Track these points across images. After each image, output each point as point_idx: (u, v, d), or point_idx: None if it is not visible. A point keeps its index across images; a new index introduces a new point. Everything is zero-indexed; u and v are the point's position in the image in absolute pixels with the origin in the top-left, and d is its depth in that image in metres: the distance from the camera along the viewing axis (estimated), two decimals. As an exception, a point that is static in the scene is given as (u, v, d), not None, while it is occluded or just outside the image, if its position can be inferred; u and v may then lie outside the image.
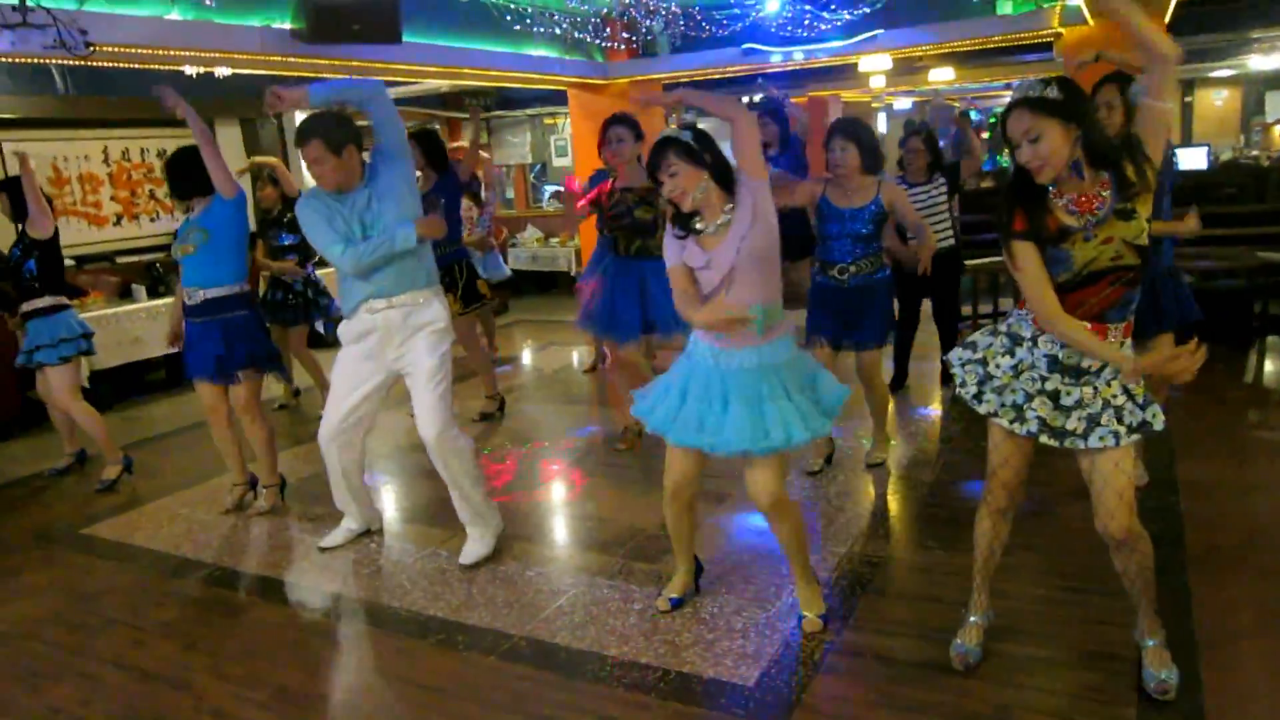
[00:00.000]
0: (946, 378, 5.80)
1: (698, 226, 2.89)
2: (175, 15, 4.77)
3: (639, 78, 8.41)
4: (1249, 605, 3.13)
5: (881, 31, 7.32)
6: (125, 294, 7.48)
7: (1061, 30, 6.80)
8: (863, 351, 4.37)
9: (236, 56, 5.12)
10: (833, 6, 7.17)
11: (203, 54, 4.88)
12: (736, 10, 7.40)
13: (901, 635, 3.06)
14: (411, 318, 3.66)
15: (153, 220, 8.53)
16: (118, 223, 8.26)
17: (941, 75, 11.80)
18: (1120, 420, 2.46)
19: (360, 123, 3.97)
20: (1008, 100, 2.50)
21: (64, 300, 4.98)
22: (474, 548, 3.83)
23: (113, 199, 8.25)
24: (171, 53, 4.77)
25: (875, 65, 8.83)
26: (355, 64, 5.78)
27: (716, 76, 8.66)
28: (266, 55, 5.22)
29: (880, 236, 4.20)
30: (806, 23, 7.16)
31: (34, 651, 3.37)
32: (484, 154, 7.97)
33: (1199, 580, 3.30)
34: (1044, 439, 2.53)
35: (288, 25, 5.24)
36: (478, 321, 6.08)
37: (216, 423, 4.44)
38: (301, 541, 4.17)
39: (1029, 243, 2.44)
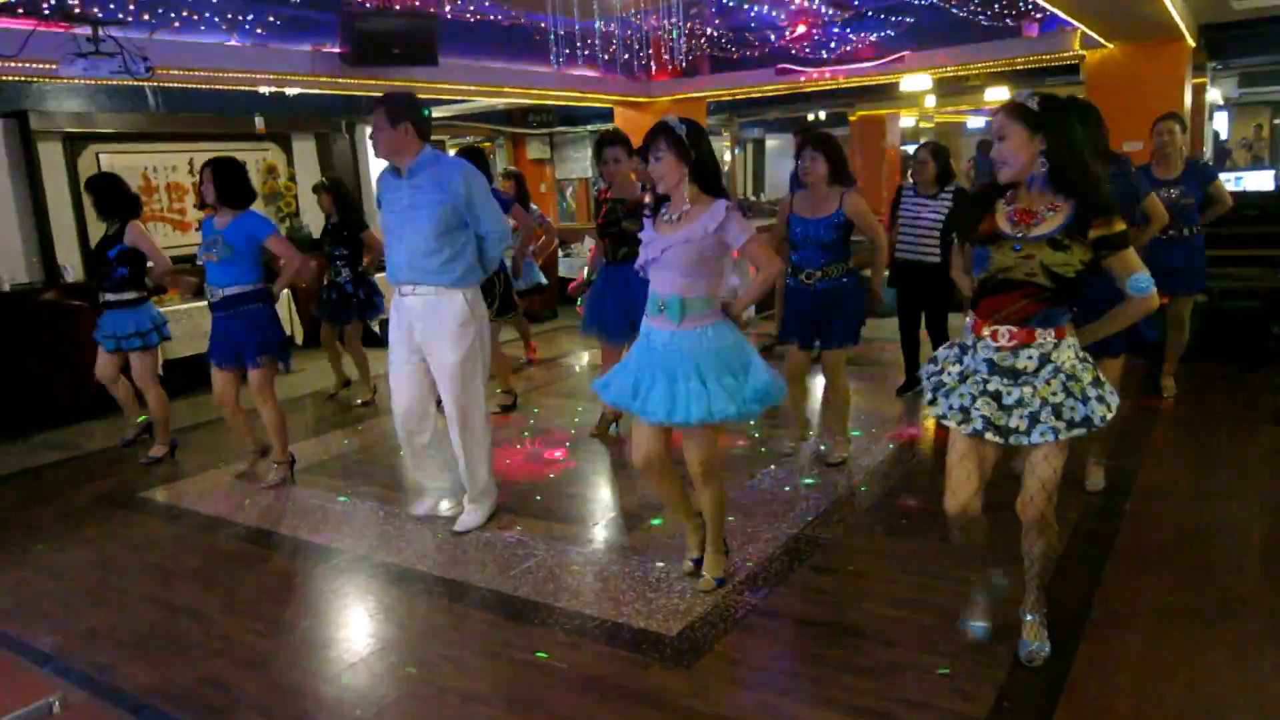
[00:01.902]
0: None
1: (663, 216, 3.27)
2: (235, 41, 5.38)
3: (680, 95, 8.82)
4: (1151, 596, 3.35)
5: (908, 53, 7.58)
6: (199, 292, 8.18)
7: (1084, 53, 6.97)
8: (827, 351, 4.70)
9: (290, 77, 5.70)
10: (846, 31, 7.46)
11: (259, 75, 5.47)
12: (768, 33, 7.75)
13: (822, 603, 3.39)
14: (432, 309, 3.99)
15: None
16: (199, 228, 9.01)
17: (997, 95, 11.88)
18: (1060, 416, 2.62)
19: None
20: None
21: (145, 294, 5.64)
22: (469, 518, 4.27)
23: (195, 206, 9.02)
24: (232, 74, 5.36)
25: (915, 85, 9.09)
26: (397, 83, 6.34)
27: (757, 95, 9.02)
28: (317, 76, 5.80)
29: (846, 244, 4.52)
30: (831, 45, 7.47)
31: (81, 586, 3.94)
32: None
33: (1115, 570, 3.54)
34: (989, 436, 2.69)
35: (336, 49, 5.82)
36: (504, 328, 6.58)
37: (228, 405, 5.11)
38: (320, 508, 4.67)
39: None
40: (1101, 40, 6.60)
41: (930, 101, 11.70)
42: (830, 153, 4.47)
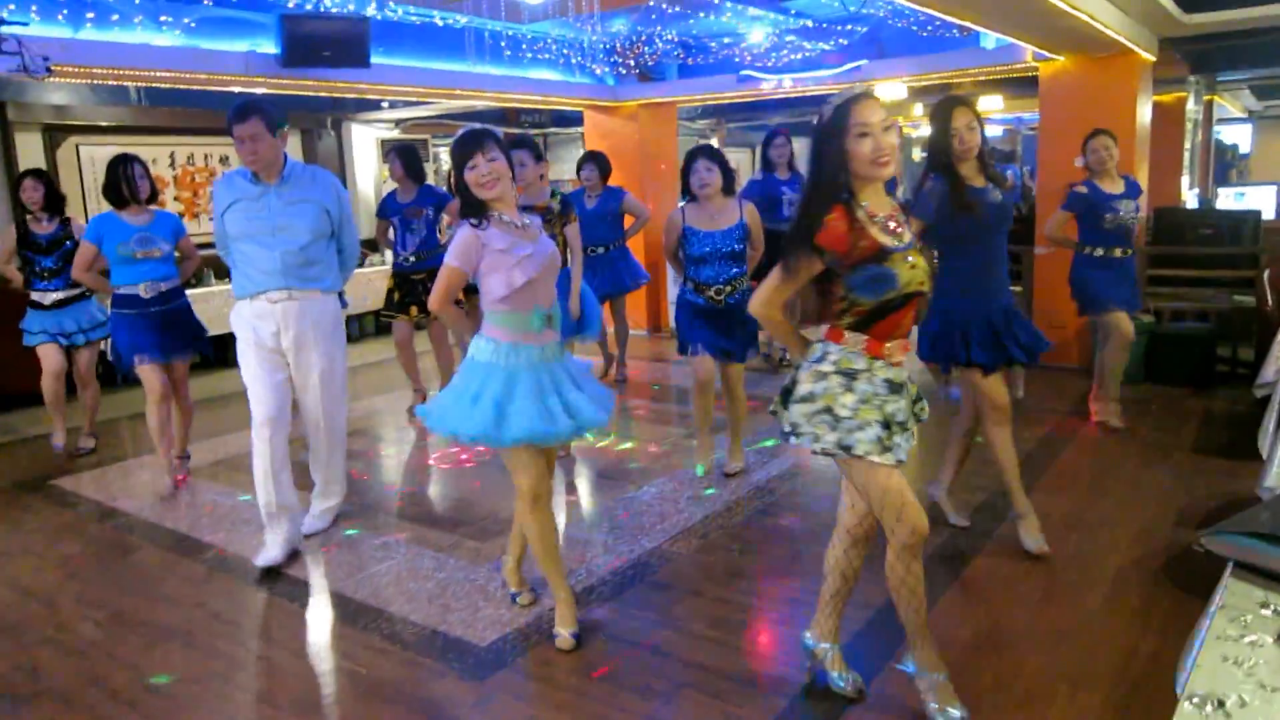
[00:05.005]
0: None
1: (503, 217, 3.16)
2: (164, 40, 5.49)
3: (645, 100, 8.82)
4: (981, 619, 3.32)
5: (865, 62, 7.51)
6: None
7: (1037, 65, 6.85)
8: (730, 364, 4.69)
9: (223, 78, 5.80)
10: (794, 40, 7.41)
11: (187, 75, 5.58)
12: (729, 40, 7.74)
13: (643, 620, 3.38)
14: (306, 313, 3.97)
15: (211, 220, 9.46)
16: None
17: (991, 104, 11.68)
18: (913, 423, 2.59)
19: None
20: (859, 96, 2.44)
21: (86, 291, 5.67)
22: (318, 522, 4.31)
23: (176, 199, 9.21)
24: (158, 73, 5.48)
25: (889, 94, 8.98)
26: (340, 85, 6.43)
27: (725, 101, 9.00)
28: (252, 77, 5.89)
29: (745, 255, 4.56)
30: (784, 53, 7.43)
31: (-46, 569, 4.08)
32: None
33: (951, 597, 3.49)
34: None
35: (272, 50, 5.91)
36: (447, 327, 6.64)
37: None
38: (214, 504, 4.77)
39: (817, 257, 2.45)
40: (1049, 54, 6.49)
41: (919, 110, 11.57)
42: (722, 164, 4.53)
